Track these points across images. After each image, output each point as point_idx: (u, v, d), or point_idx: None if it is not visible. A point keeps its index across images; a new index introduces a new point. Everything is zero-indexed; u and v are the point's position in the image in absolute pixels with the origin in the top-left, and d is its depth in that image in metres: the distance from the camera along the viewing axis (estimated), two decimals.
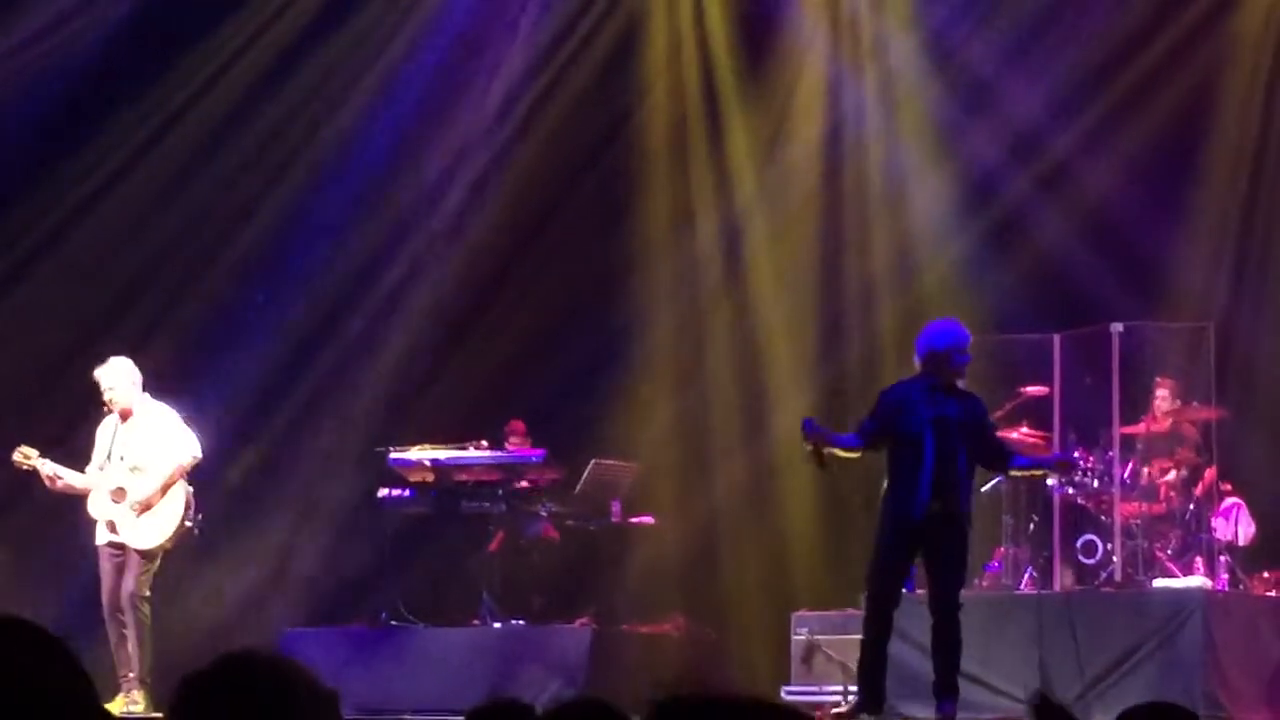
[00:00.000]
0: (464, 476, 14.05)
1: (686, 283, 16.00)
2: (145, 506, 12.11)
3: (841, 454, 10.81)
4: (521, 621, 13.78)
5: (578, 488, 14.20)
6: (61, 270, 15.09)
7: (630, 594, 13.80)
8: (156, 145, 15.27)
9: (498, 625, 13.74)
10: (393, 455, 14.03)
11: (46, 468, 12.20)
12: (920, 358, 10.66)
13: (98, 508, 12.20)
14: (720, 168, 16.05)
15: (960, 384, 10.72)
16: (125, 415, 12.24)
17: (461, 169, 15.91)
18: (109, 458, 12.22)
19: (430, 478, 14.06)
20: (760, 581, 15.24)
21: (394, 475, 14.11)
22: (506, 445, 14.39)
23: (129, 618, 12.04)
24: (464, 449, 14.09)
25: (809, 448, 10.65)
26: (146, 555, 12.16)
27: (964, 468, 10.54)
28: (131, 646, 11.98)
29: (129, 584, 12.08)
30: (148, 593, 12.14)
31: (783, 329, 15.79)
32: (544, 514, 14.26)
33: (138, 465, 12.17)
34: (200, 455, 12.29)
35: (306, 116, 15.64)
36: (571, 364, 15.41)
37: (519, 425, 14.80)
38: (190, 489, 12.27)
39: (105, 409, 12.29)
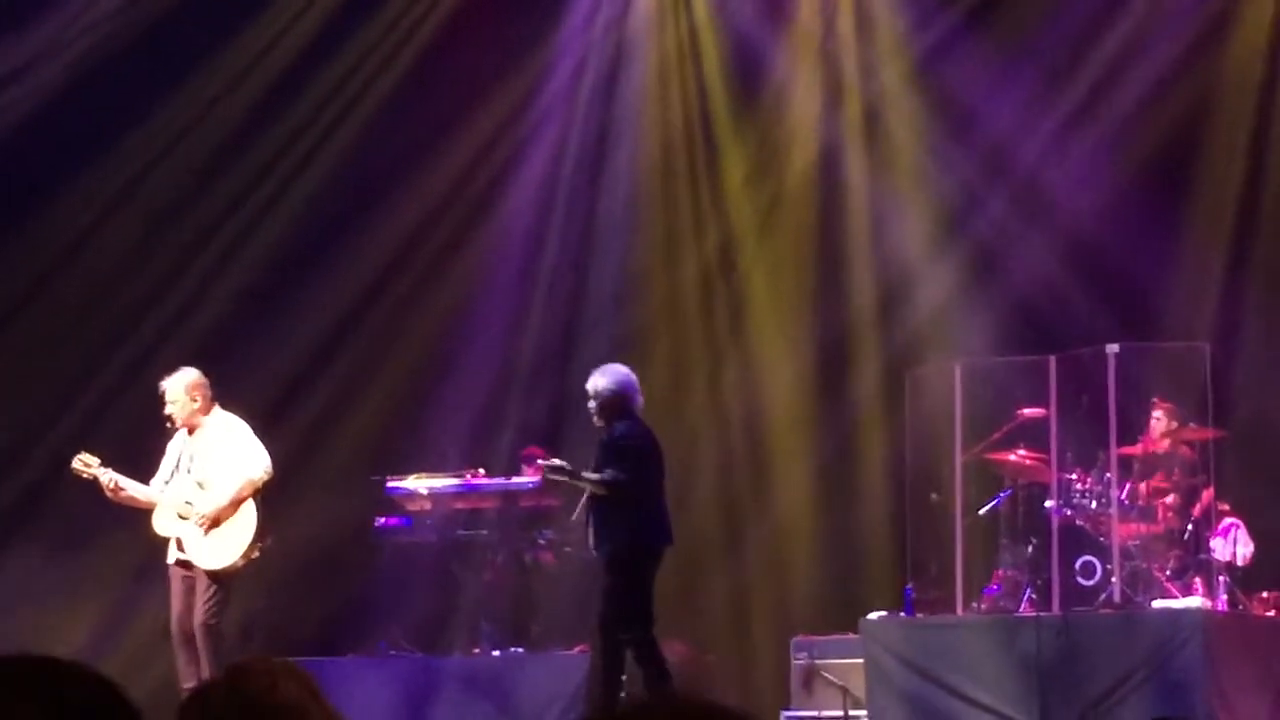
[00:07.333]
0: (461, 504, 14.05)
1: (679, 306, 16.03)
2: (213, 523, 11.38)
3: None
4: (521, 649, 13.76)
5: (574, 514, 14.16)
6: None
7: None
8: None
9: (497, 653, 13.72)
10: (389, 483, 14.02)
11: (106, 477, 11.40)
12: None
13: (163, 524, 11.46)
14: (713, 199, 16.12)
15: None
16: (190, 428, 11.58)
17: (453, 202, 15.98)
18: (175, 471, 11.52)
19: (427, 506, 14.05)
20: (760, 605, 15.22)
21: (391, 503, 14.10)
22: (525, 470, 14.38)
23: (201, 646, 11.30)
24: (460, 476, 14.08)
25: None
26: (214, 578, 11.39)
27: None
28: (205, 675, 10.91)
29: (198, 612, 11.33)
30: (215, 621, 11.41)
31: (776, 354, 15.80)
32: (542, 541, 14.24)
33: (204, 480, 11.44)
34: (271, 470, 11.58)
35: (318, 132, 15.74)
36: (568, 391, 15.40)
37: (537, 451, 14.76)
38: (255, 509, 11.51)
39: (169, 423, 11.61)
